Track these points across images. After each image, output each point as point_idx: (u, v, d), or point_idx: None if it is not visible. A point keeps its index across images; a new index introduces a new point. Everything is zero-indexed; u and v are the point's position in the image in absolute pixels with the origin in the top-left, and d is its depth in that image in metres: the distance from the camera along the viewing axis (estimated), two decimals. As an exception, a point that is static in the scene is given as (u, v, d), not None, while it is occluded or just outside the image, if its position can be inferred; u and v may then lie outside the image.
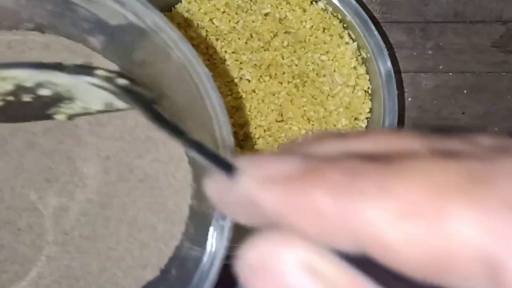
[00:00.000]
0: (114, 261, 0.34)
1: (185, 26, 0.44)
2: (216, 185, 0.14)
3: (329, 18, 0.44)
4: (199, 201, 0.33)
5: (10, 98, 0.27)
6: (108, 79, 0.26)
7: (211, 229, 0.30)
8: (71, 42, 0.30)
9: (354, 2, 0.41)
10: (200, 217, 0.33)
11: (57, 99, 0.27)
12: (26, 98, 0.27)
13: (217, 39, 0.44)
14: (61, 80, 0.26)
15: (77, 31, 0.29)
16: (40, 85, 0.26)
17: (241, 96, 0.45)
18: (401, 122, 0.45)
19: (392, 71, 0.41)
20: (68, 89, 0.26)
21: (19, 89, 0.26)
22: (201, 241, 0.31)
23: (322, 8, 0.44)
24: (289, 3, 0.44)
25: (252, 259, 0.13)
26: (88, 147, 0.32)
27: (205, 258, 0.31)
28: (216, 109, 0.27)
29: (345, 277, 0.12)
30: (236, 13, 0.44)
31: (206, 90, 0.27)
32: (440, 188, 0.11)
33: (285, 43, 0.44)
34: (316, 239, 0.12)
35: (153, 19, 0.27)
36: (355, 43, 0.43)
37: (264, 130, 0.44)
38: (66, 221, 0.33)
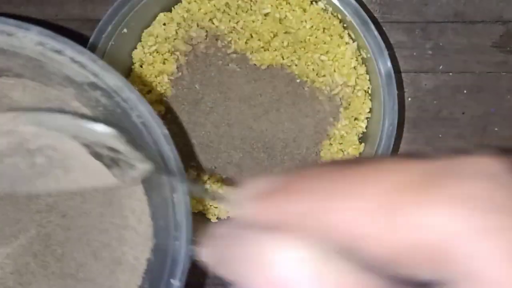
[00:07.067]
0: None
1: (185, 26, 0.44)
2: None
3: (329, 18, 0.44)
4: (156, 257, 0.35)
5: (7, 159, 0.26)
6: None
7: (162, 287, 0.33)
8: (46, 87, 0.32)
9: (354, 2, 0.41)
10: (154, 273, 0.35)
11: (50, 167, 0.27)
12: (21, 163, 0.26)
13: (217, 39, 0.44)
14: (65, 146, 0.25)
15: (50, 81, 0.32)
16: (40, 150, 0.26)
17: (241, 96, 0.45)
18: (401, 122, 0.45)
19: (392, 71, 0.41)
20: (64, 158, 0.26)
21: (18, 150, 0.26)
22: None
23: (322, 8, 0.44)
24: (289, 3, 0.44)
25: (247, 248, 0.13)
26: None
27: None
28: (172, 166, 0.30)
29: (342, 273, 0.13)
30: (236, 13, 0.44)
31: (163, 148, 0.30)
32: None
33: (285, 43, 0.44)
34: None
35: (113, 81, 0.29)
36: (355, 43, 0.43)
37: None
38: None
